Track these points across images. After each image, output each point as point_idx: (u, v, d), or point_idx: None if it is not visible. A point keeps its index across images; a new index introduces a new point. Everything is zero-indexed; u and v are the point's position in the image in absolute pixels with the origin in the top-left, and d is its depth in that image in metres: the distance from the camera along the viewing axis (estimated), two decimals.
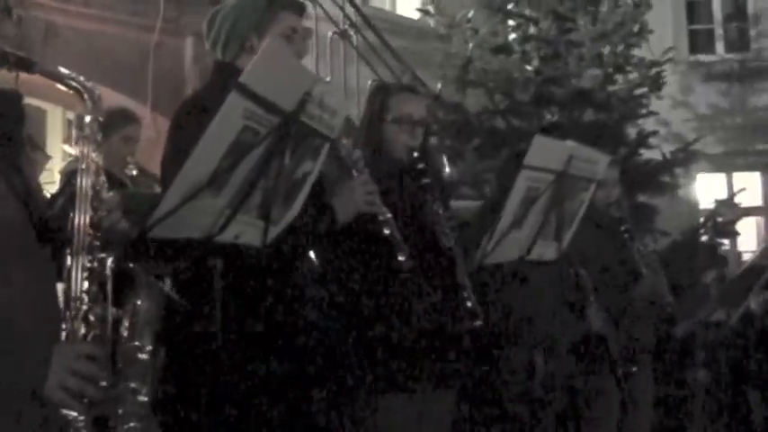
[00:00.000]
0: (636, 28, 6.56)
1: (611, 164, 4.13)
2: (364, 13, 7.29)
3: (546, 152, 2.55)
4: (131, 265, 1.96)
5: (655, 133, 6.75)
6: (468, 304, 3.04)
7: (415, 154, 3.15)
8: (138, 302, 1.99)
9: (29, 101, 2.01)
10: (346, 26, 7.11)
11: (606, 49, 6.50)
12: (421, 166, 3.14)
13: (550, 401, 3.72)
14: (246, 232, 2.02)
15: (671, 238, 6.71)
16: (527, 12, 6.62)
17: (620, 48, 6.48)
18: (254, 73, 1.57)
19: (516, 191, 2.47)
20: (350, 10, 7.14)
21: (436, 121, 6.77)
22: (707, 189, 9.91)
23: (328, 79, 7.45)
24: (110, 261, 1.94)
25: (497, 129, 6.34)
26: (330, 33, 7.06)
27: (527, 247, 2.71)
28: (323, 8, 6.94)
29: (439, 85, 6.92)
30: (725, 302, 3.93)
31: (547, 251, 2.87)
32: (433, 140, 4.76)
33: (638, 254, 4.02)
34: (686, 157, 6.84)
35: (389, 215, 2.70)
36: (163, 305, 2.03)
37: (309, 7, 6.89)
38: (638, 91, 6.81)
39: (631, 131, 6.68)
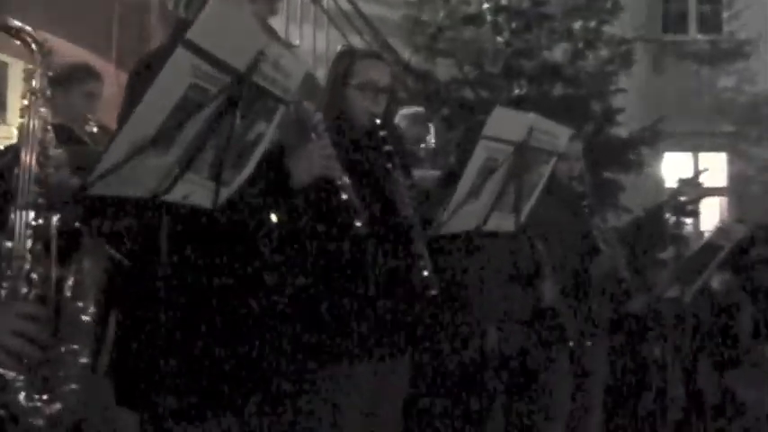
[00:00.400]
0: (609, 4, 6.53)
1: (574, 138, 4.13)
2: None
3: (506, 123, 2.53)
4: (77, 223, 1.92)
5: (622, 110, 6.76)
6: (425, 273, 3.04)
7: (377, 120, 3.14)
8: (83, 263, 1.95)
9: None
10: None
11: (577, 24, 6.47)
12: (382, 133, 3.12)
13: (501, 373, 3.75)
14: (196, 193, 1.98)
15: (634, 214, 6.78)
16: None
17: (592, 23, 6.46)
18: (202, 28, 1.52)
19: (474, 161, 2.45)
20: None
21: (405, 89, 6.74)
22: (673, 168, 9.97)
23: (297, 43, 7.41)
24: (55, 219, 1.91)
25: (466, 99, 6.32)
26: None
27: (483, 217, 2.69)
28: None
29: (408, 54, 6.87)
30: (680, 279, 3.95)
31: (504, 223, 2.86)
32: (421, 110, 4.71)
33: (597, 229, 4.04)
34: (652, 136, 6.86)
35: (347, 180, 2.67)
36: (108, 266, 1.99)
37: None
38: (609, 68, 6.81)
39: (599, 108, 6.68)
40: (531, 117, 2.67)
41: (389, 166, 3.12)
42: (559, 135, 2.86)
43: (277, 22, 6.36)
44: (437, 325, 3.36)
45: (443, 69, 6.67)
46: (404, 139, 4.09)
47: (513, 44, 6.45)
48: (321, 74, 6.35)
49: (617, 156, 6.59)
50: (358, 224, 2.66)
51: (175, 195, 1.91)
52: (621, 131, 7.17)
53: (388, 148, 3.10)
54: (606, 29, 6.86)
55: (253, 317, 2.54)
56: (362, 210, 2.68)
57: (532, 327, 3.82)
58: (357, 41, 7.29)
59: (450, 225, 2.53)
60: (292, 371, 3.03)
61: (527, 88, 6.52)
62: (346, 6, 7.24)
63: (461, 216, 2.54)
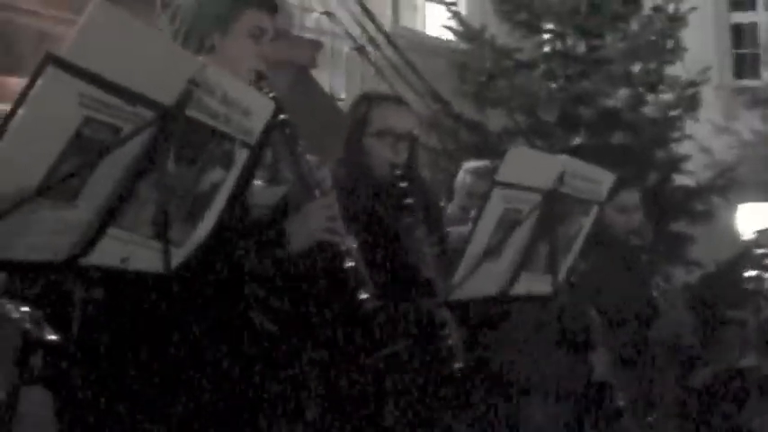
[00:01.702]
0: (670, 44, 6.10)
1: (631, 187, 3.73)
2: (385, 29, 6.95)
3: (526, 167, 2.14)
4: None
5: (689, 158, 6.28)
6: (449, 343, 2.66)
7: (398, 171, 2.80)
8: None
9: None
10: (364, 42, 6.77)
11: (637, 67, 6.05)
12: (403, 184, 2.78)
13: None
14: (137, 255, 1.64)
15: (705, 270, 6.25)
16: (552, 26, 6.20)
17: (652, 65, 6.03)
18: (80, 46, 1.18)
19: (488, 213, 2.06)
20: (369, 26, 6.81)
21: (457, 141, 6.40)
22: (749, 219, 9.37)
23: (344, 96, 7.17)
24: None
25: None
26: (347, 49, 6.74)
27: (509, 279, 2.28)
28: (341, 23, 6.64)
29: (462, 105, 6.55)
30: (759, 346, 3.45)
31: (537, 285, 2.45)
32: (488, 163, 4.33)
33: (658, 288, 3.60)
34: (724, 185, 6.34)
35: (353, 245, 2.31)
36: (19, 341, 1.65)
37: (326, 22, 6.60)
38: (673, 112, 6.34)
39: (663, 155, 6.21)
40: (562, 160, 2.27)
41: (410, 221, 2.78)
42: (600, 181, 2.45)
43: (321, 75, 6.17)
44: (466, 399, 2.96)
45: (495, 119, 6.31)
46: (471, 195, 3.75)
47: (569, 90, 6.04)
48: None
49: (684, 206, 6.09)
50: (363, 296, 2.28)
51: (105, 258, 1.56)
52: (689, 180, 6.67)
53: (408, 201, 2.76)
54: (670, 72, 6.41)
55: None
56: (369, 281, 2.30)
57: (581, 401, 3.40)
58: (407, 93, 7.00)
59: (465, 290, 2.13)
60: None
61: (584, 137, 6.09)
62: (393, 57, 6.98)
63: (479, 278, 2.14)
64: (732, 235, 8.58)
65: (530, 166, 2.16)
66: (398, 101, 3.01)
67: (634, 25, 6.15)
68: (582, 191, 2.36)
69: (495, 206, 2.06)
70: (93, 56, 1.19)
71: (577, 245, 2.53)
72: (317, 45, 6.23)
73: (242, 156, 1.73)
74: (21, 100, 1.13)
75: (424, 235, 2.81)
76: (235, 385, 2.18)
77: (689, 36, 9.43)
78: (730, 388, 3.56)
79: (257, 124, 1.71)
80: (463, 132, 6.40)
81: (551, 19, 6.23)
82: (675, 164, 6.42)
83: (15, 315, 1.62)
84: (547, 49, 6.30)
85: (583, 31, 6.15)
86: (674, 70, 6.46)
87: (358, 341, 2.49)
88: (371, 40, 6.77)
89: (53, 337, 1.67)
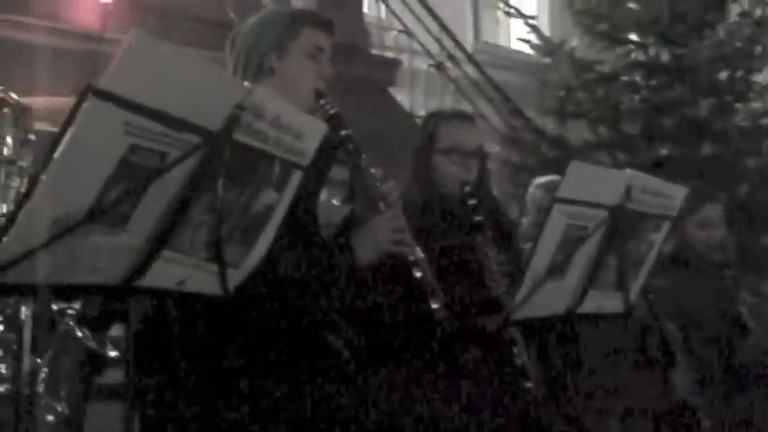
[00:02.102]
0: (758, 50, 5.89)
1: (713, 200, 3.61)
2: (463, 45, 6.94)
3: (590, 183, 2.09)
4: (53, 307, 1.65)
5: None
6: (518, 362, 2.62)
7: (467, 188, 2.79)
8: (58, 353, 1.67)
9: None
10: (443, 59, 6.78)
11: (723, 75, 5.86)
12: (472, 201, 2.77)
13: None
14: (194, 277, 1.67)
15: None
16: (634, 37, 6.07)
17: (740, 73, 5.83)
18: (121, 76, 1.21)
19: (550, 230, 2.01)
20: (448, 43, 6.82)
21: (538, 156, 6.32)
22: None
23: (423, 113, 7.17)
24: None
25: (603, 164, 5.79)
26: (426, 66, 6.76)
27: (576, 297, 2.23)
28: (419, 41, 6.66)
29: (544, 120, 6.47)
30: None
31: (608, 303, 2.39)
32: (558, 178, 4.26)
33: (745, 305, 3.46)
34: None
35: (422, 255, 2.30)
36: (83, 358, 1.69)
37: (404, 40, 6.63)
38: (764, 121, 6.12)
39: (754, 166, 5.99)
40: (629, 175, 2.21)
41: (479, 238, 2.77)
42: (672, 196, 2.38)
43: (401, 93, 6.19)
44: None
45: (577, 133, 6.21)
46: (541, 210, 3.70)
47: (652, 101, 5.90)
48: None
49: None
50: (435, 306, 2.27)
51: (161, 280, 1.60)
52: None
53: (478, 218, 2.75)
54: (758, 78, 6.18)
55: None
56: (440, 290, 2.30)
57: (663, 422, 3.29)
58: (487, 109, 6.97)
59: (529, 308, 2.09)
60: None
61: (669, 148, 5.93)
62: (473, 73, 6.96)
63: (544, 297, 2.10)
64: None
65: (593, 182, 2.11)
66: (466, 117, 3.00)
67: (720, 32, 5.97)
68: (651, 206, 2.30)
69: (557, 223, 2.02)
70: (134, 85, 1.22)
71: (649, 261, 2.45)
72: (395, 63, 6.26)
73: (295, 177, 1.75)
74: (65, 128, 1.17)
75: (493, 252, 2.78)
76: (308, 405, 2.20)
77: None
78: None
79: (310, 146, 1.73)
80: (545, 147, 6.31)
81: (633, 29, 6.10)
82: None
83: (79, 334, 1.66)
84: (629, 59, 6.16)
85: (665, 40, 5.99)
86: (764, 77, 6.24)
87: (431, 350, 2.47)
88: (450, 57, 6.77)
89: (115, 354, 1.72)
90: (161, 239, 1.48)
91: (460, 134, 2.88)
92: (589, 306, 2.32)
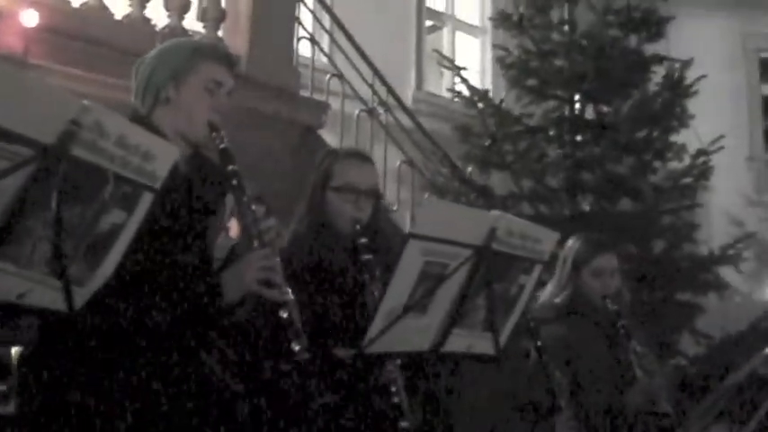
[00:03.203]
0: (678, 112, 6.09)
1: (610, 251, 3.69)
2: (395, 92, 7.05)
3: (451, 221, 2.13)
4: None
5: (697, 227, 6.21)
6: (395, 400, 2.63)
7: (358, 227, 2.82)
8: None
9: None
10: (375, 105, 6.87)
11: (643, 134, 6.05)
12: (362, 240, 2.80)
13: None
14: (35, 291, 1.67)
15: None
16: (560, 93, 6.24)
17: (656, 133, 6.02)
18: None
19: (405, 266, 2.05)
20: (380, 89, 6.93)
21: (468, 203, 6.41)
22: None
23: None
24: None
25: (524, 215, 5.89)
26: (357, 111, 6.84)
27: (440, 336, 2.26)
28: (351, 86, 6.75)
29: (469, 168, 6.58)
30: (731, 417, 3.34)
31: (478, 343, 2.42)
32: None
33: (634, 354, 3.51)
34: (736, 255, 6.24)
35: (290, 297, 2.31)
36: None
37: (336, 84, 6.73)
38: (683, 181, 6.30)
39: (671, 223, 6.15)
40: (494, 216, 2.26)
41: (366, 277, 2.79)
42: (540, 239, 2.42)
43: (330, 135, 6.25)
44: None
45: (501, 183, 6.33)
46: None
47: (575, 156, 6.05)
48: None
49: (692, 275, 5.99)
50: (296, 348, 2.27)
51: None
52: (702, 249, 6.59)
53: (366, 257, 2.77)
54: (683, 141, 6.37)
55: None
56: (303, 333, 2.30)
57: None
58: (416, 155, 7.07)
59: (387, 343, 2.12)
60: None
61: (590, 203, 6.06)
62: (405, 121, 7.07)
63: (402, 332, 2.13)
64: (751, 308, 8.43)
65: (455, 221, 2.16)
66: (362, 157, 3.03)
67: (642, 93, 6.16)
68: (519, 248, 2.34)
69: (413, 258, 2.06)
70: None
71: (521, 304, 2.50)
72: (324, 106, 6.33)
73: (146, 199, 1.77)
74: None
75: (380, 292, 2.81)
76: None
77: (720, 107, 9.44)
78: None
79: (160, 168, 1.75)
80: (471, 196, 6.41)
81: (560, 85, 6.26)
82: (686, 232, 6.34)
83: None
84: (555, 114, 6.32)
85: (590, 98, 6.17)
86: (689, 140, 6.43)
87: (291, 391, 2.49)
88: (382, 103, 6.88)
89: None
90: None
91: (355, 173, 2.90)
92: (456, 345, 2.35)
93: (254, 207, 2.36)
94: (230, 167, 2.33)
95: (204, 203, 2.41)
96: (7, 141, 1.40)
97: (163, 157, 1.75)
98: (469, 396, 3.17)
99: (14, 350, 3.48)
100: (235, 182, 2.33)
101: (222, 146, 2.35)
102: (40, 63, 4.76)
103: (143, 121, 2.28)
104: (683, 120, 6.06)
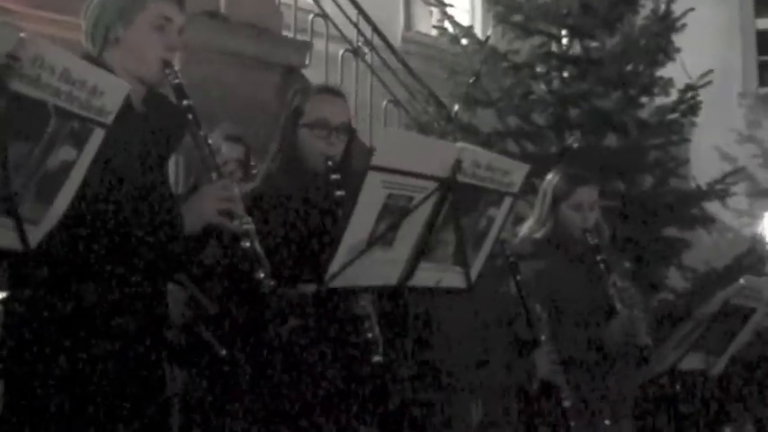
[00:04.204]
0: (664, 44, 6.01)
1: (589, 184, 3.66)
2: (381, 31, 6.96)
3: (413, 153, 2.11)
4: None
5: (685, 162, 6.19)
6: (368, 336, 2.64)
7: (330, 163, 2.80)
8: None
9: None
10: (360, 44, 6.79)
11: (629, 69, 5.98)
12: (335, 176, 2.78)
13: None
14: None
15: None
16: (546, 28, 6.15)
17: (641, 67, 5.95)
18: None
19: (366, 199, 2.03)
20: (364, 27, 6.84)
21: (453, 141, 6.36)
22: None
23: None
24: None
25: (509, 153, 5.86)
26: (342, 51, 6.76)
27: (407, 270, 2.26)
28: (335, 25, 6.67)
29: (456, 107, 6.51)
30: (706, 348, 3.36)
31: (448, 277, 2.42)
32: None
33: (614, 288, 3.52)
34: (722, 190, 6.22)
35: (251, 226, 2.30)
36: None
37: (320, 24, 6.64)
38: (671, 116, 6.25)
39: (657, 158, 6.12)
40: (459, 147, 2.24)
41: (339, 213, 2.77)
42: (509, 171, 2.40)
43: (315, 75, 6.18)
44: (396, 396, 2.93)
45: (486, 121, 6.27)
46: None
47: (561, 92, 5.98)
48: (362, 127, 6.13)
49: (678, 210, 5.98)
50: (261, 275, 2.27)
51: None
52: (691, 185, 6.57)
53: (339, 193, 2.76)
54: (671, 75, 6.30)
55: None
56: (266, 260, 2.29)
57: (524, 401, 3.35)
58: (402, 94, 7.01)
59: (352, 277, 2.11)
60: None
61: (577, 139, 6.02)
62: (392, 61, 6.99)
63: (366, 266, 2.12)
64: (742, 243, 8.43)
65: (417, 152, 2.13)
66: (334, 92, 2.99)
67: (628, 27, 6.08)
68: (486, 180, 2.32)
69: (374, 191, 2.04)
70: None
71: (491, 237, 2.49)
72: (305, 45, 6.26)
73: (97, 135, 1.75)
74: None
75: (341, 226, 2.80)
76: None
77: (713, 41, 9.32)
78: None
79: (110, 103, 1.72)
80: (456, 135, 6.35)
81: (545, 21, 6.17)
82: (673, 167, 6.31)
83: None
84: (542, 50, 6.24)
85: (576, 33, 6.09)
86: (678, 75, 6.35)
87: (258, 318, 2.50)
88: (367, 43, 6.79)
89: None
90: None
91: (327, 109, 2.87)
92: (425, 279, 2.35)
93: (210, 141, 2.34)
94: (185, 102, 2.31)
95: (161, 140, 2.39)
96: None
97: (112, 92, 1.72)
98: (449, 331, 3.18)
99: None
100: (190, 116, 2.31)
101: (176, 81, 2.33)
102: (9, 6, 4.69)
103: (94, 62, 2.24)
104: (669, 53, 5.98)
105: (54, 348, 2.13)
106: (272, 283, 2.25)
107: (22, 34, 1.47)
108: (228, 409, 2.72)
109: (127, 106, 2.03)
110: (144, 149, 2.26)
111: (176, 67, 2.33)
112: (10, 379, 2.19)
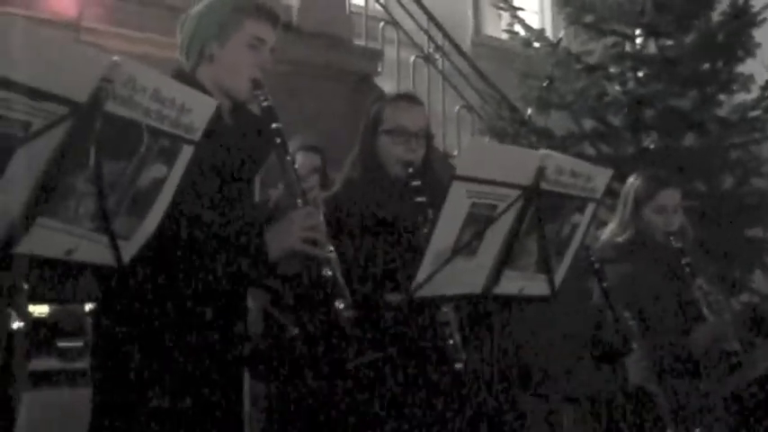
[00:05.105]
0: (743, 40, 5.85)
1: (672, 186, 3.59)
2: (451, 36, 6.95)
3: (497, 161, 2.10)
4: None
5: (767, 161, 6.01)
6: (450, 343, 2.63)
7: (411, 170, 2.80)
8: None
9: None
10: (430, 50, 6.79)
11: (707, 67, 5.84)
12: (415, 183, 2.78)
13: None
14: (83, 247, 1.71)
15: None
16: (620, 28, 6.06)
17: (719, 64, 5.80)
18: None
19: (451, 209, 2.03)
20: (435, 33, 6.83)
21: (528, 146, 6.31)
22: None
23: None
24: None
25: (585, 156, 5.78)
26: (413, 58, 6.77)
27: (491, 279, 2.24)
28: (406, 32, 6.68)
29: (529, 110, 6.46)
30: None
31: (531, 285, 2.39)
32: None
33: (700, 292, 3.44)
34: None
35: (333, 255, 2.29)
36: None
37: (391, 32, 6.67)
38: (752, 114, 6.08)
39: (739, 158, 5.96)
40: (542, 154, 2.22)
41: (420, 219, 2.77)
42: (592, 176, 2.37)
43: (387, 83, 6.21)
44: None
45: (561, 124, 6.20)
46: None
47: (636, 92, 5.88)
48: (435, 133, 6.13)
49: (762, 211, 5.81)
50: (340, 306, 2.26)
51: (45, 248, 1.64)
52: None
53: (420, 199, 2.75)
54: (751, 71, 6.13)
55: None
56: (346, 290, 2.28)
57: (617, 409, 3.29)
58: (474, 99, 6.98)
59: (437, 287, 2.11)
60: None
61: (653, 140, 5.91)
62: (463, 66, 6.97)
63: (451, 276, 2.11)
64: None
65: (500, 161, 2.12)
66: (412, 99, 2.99)
67: (705, 24, 5.94)
68: (569, 186, 2.29)
69: (459, 200, 2.03)
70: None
71: (575, 244, 2.46)
72: (377, 53, 6.29)
73: (186, 152, 1.78)
74: None
75: (427, 235, 2.79)
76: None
77: None
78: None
79: (198, 120, 1.76)
80: (531, 139, 6.30)
81: (618, 20, 6.08)
82: (755, 166, 6.13)
83: None
84: (615, 50, 6.14)
85: (651, 32, 5.98)
86: (758, 71, 6.18)
87: (337, 350, 2.52)
88: (438, 49, 6.79)
89: None
90: (34, 206, 1.52)
91: (405, 116, 2.88)
92: (509, 287, 2.33)
93: (296, 165, 2.35)
94: (274, 125, 2.32)
95: (248, 157, 2.41)
96: (41, 100, 1.42)
97: (200, 110, 1.75)
98: (537, 339, 3.15)
99: (88, 307, 3.59)
100: (278, 140, 2.31)
101: (266, 103, 2.34)
102: (93, 26, 4.81)
103: (187, 77, 2.29)
104: (749, 49, 5.81)
105: (140, 360, 2.17)
106: (351, 314, 2.24)
107: (115, 58, 1.51)
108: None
109: (217, 118, 2.07)
110: (232, 163, 2.29)
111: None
112: (99, 386, 2.24)
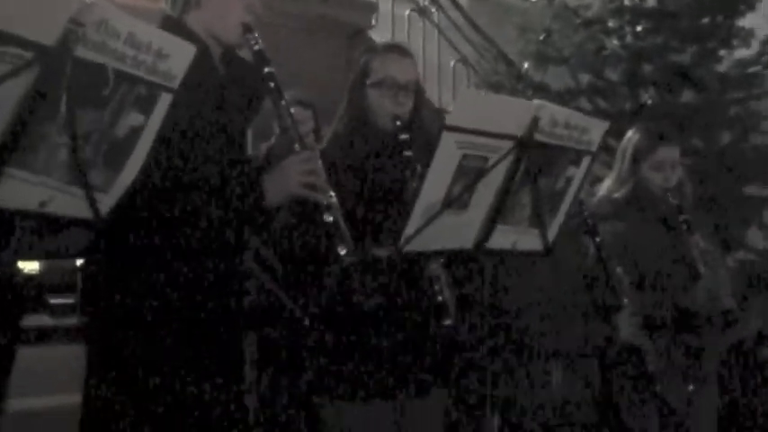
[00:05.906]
0: None
1: (671, 142, 3.53)
2: None
3: (489, 112, 2.02)
4: None
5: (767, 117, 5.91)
6: (439, 299, 2.58)
7: (399, 122, 2.74)
8: None
9: None
10: (426, 3, 6.67)
11: (706, 21, 5.73)
12: (404, 136, 2.71)
13: (570, 419, 3.22)
14: (58, 199, 1.64)
15: None
16: None
17: (719, 18, 5.69)
18: None
19: (441, 160, 1.96)
20: None
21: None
22: None
23: None
24: None
25: (582, 110, 5.69)
26: (408, 11, 6.66)
27: (483, 233, 2.18)
28: None
29: (526, 65, 6.35)
30: None
31: (524, 240, 2.34)
32: None
33: (697, 249, 3.39)
34: None
35: (334, 200, 2.23)
36: None
37: None
38: (752, 69, 5.97)
39: (738, 114, 5.87)
40: (536, 105, 2.14)
41: (408, 173, 2.71)
42: (587, 128, 2.30)
43: (381, 36, 6.10)
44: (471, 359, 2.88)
45: (558, 79, 6.10)
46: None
47: (634, 47, 5.77)
48: (430, 87, 6.04)
49: (760, 168, 5.73)
50: (341, 251, 2.21)
51: (16, 201, 1.57)
52: None
53: (408, 153, 2.69)
54: (751, 25, 6.02)
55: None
56: (349, 236, 2.23)
57: (606, 365, 3.26)
58: (470, 52, 6.88)
59: (427, 241, 2.05)
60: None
61: (651, 96, 5.81)
62: (459, 19, 6.86)
63: (441, 230, 2.05)
64: None
65: (493, 111, 2.05)
66: (401, 50, 2.91)
67: None
68: (564, 138, 2.23)
69: (449, 152, 1.97)
70: None
71: (569, 197, 2.40)
72: (371, 6, 6.17)
73: (164, 100, 1.71)
74: None
75: (416, 188, 2.74)
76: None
77: None
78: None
79: (176, 67, 1.68)
80: (527, 93, 6.20)
81: None
82: (755, 122, 6.04)
83: None
84: (614, 4, 6.01)
85: None
86: (759, 24, 6.07)
87: (337, 295, 2.47)
88: (434, 2, 6.67)
89: None
90: (1, 156, 1.45)
91: (394, 67, 2.80)
92: (500, 242, 2.27)
93: (293, 110, 2.28)
94: (266, 69, 2.24)
95: (243, 104, 2.34)
96: (4, 44, 1.34)
97: (178, 56, 1.68)
98: (528, 295, 3.12)
99: (79, 262, 3.54)
100: (272, 84, 2.24)
101: (257, 47, 2.26)
102: None
103: (176, 23, 2.21)
104: (750, 2, 5.70)
105: (132, 317, 2.12)
106: (353, 259, 2.19)
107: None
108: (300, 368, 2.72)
109: (210, 67, 1.99)
110: (224, 111, 2.22)
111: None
112: (92, 345, 2.19)
